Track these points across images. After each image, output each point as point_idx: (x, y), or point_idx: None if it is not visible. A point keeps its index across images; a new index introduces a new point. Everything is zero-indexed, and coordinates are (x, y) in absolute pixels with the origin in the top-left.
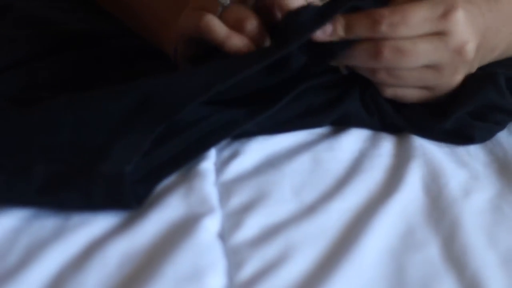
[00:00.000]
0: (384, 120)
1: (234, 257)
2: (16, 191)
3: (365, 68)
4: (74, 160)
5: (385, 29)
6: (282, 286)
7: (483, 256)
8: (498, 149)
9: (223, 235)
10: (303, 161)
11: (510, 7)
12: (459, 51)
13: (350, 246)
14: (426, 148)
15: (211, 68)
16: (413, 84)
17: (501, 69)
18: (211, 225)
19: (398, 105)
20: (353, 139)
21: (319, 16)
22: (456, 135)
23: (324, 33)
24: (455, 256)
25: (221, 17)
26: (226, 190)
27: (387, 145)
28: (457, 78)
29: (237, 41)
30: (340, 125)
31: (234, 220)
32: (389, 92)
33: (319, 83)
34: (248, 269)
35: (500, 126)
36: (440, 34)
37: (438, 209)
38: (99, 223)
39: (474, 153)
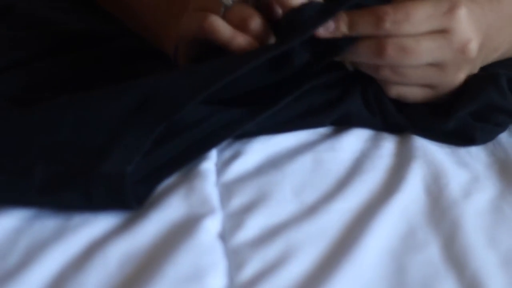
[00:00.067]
0: (386, 119)
1: (235, 258)
2: (16, 191)
3: (369, 65)
4: (75, 160)
5: (389, 27)
6: (282, 286)
7: (484, 257)
8: (499, 150)
9: (224, 236)
10: (304, 162)
11: None
12: (462, 50)
13: (350, 247)
14: (427, 149)
15: (211, 66)
16: (417, 82)
17: (502, 69)
18: (211, 226)
19: (401, 105)
20: (354, 139)
21: (322, 13)
22: (458, 136)
23: (326, 30)
24: (455, 256)
25: (224, 17)
26: (227, 190)
27: (388, 145)
28: (460, 76)
29: (242, 41)
30: (341, 125)
31: (235, 220)
32: (393, 91)
33: (321, 83)
34: (249, 270)
35: (502, 127)
36: (443, 32)
37: (439, 209)
38: (99, 224)
39: (475, 154)
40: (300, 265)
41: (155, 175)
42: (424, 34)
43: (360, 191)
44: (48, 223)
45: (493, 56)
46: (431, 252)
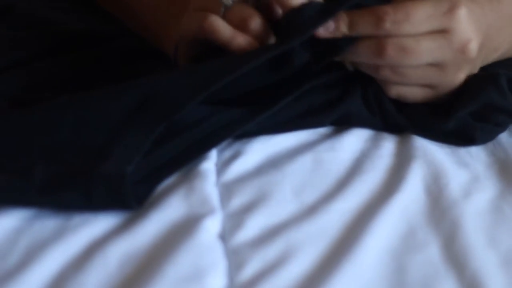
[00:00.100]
0: (386, 119)
1: (235, 258)
2: (16, 191)
3: (369, 65)
4: (75, 160)
5: (389, 27)
6: (282, 286)
7: (484, 257)
8: (499, 150)
9: (224, 236)
10: (304, 162)
11: None
12: (462, 50)
13: (350, 247)
14: (427, 149)
15: (210, 66)
16: (417, 82)
17: (502, 70)
18: (211, 226)
19: (401, 105)
20: (354, 139)
21: (322, 13)
22: (458, 136)
23: (326, 30)
24: (455, 256)
25: (224, 17)
26: (227, 190)
27: (388, 145)
28: (460, 76)
29: (242, 41)
30: (341, 125)
31: (235, 220)
32: (393, 91)
33: (321, 83)
34: (249, 270)
35: (502, 127)
36: (443, 32)
37: (439, 209)
38: (99, 224)
39: (475, 154)
40: (300, 265)
41: (155, 175)
42: (424, 34)
43: (360, 191)
44: (48, 223)
45: (493, 56)
46: (431, 252)
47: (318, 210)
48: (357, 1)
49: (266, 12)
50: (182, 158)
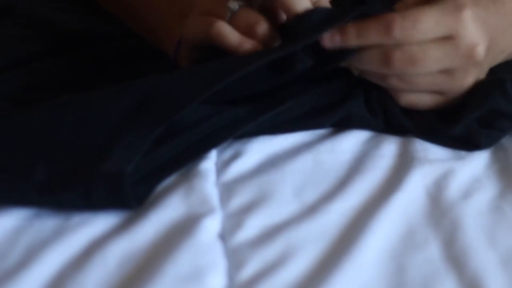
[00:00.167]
0: (390, 120)
1: (235, 258)
2: (16, 191)
3: (375, 74)
4: (75, 160)
5: (398, 35)
6: (282, 286)
7: (484, 257)
8: (499, 151)
9: (224, 236)
10: (304, 162)
11: None
12: (469, 54)
13: (350, 247)
14: (428, 149)
15: (211, 67)
16: (425, 89)
17: (509, 74)
18: (211, 225)
19: (406, 110)
20: (355, 140)
21: (326, 20)
22: (463, 141)
23: (332, 42)
24: (455, 256)
25: (230, 22)
26: (227, 190)
27: (389, 145)
28: (469, 80)
29: (250, 47)
30: (341, 127)
31: (234, 220)
32: (404, 100)
33: (324, 85)
34: (249, 270)
35: (505, 133)
36: (449, 39)
37: (439, 209)
38: (99, 223)
39: (475, 154)
40: (300, 265)
41: (155, 174)
42: (431, 42)
43: (360, 191)
44: (48, 223)
45: (500, 57)
46: (431, 251)
47: (318, 210)
48: (362, 12)
49: (270, 16)
50: (182, 158)
